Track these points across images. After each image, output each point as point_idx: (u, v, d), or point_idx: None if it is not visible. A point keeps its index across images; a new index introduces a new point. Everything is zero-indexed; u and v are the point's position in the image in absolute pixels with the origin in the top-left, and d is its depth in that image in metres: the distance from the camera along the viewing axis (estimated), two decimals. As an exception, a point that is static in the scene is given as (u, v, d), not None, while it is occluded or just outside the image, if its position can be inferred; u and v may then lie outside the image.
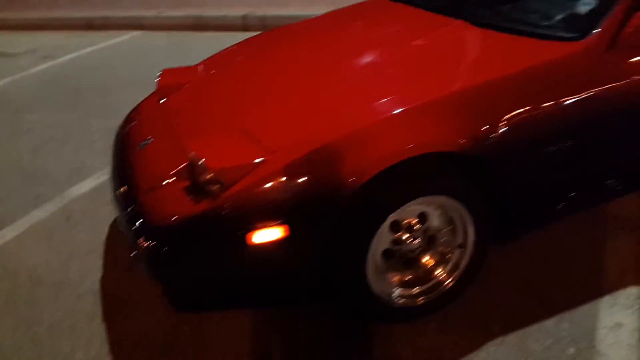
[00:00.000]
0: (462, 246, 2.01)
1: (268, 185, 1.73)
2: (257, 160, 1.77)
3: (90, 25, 7.31)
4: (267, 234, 1.72)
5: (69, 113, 4.34)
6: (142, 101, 2.71)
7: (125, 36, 6.79)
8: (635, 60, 2.04)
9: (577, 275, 2.17)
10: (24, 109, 4.51)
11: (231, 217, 1.71)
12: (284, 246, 1.74)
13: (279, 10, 6.44)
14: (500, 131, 1.88)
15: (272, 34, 3.04)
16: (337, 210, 1.73)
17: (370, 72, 2.16)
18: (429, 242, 2.02)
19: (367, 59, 2.26)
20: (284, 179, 1.73)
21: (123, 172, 2.17)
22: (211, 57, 2.87)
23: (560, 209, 2.15)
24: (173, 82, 2.59)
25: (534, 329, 1.94)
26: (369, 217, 1.79)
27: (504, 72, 1.96)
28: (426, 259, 2.04)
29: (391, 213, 1.81)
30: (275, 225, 1.72)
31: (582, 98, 1.97)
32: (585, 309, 2.00)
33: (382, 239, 1.89)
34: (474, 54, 2.15)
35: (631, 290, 2.08)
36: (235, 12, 6.63)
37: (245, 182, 1.74)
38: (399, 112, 1.83)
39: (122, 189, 2.06)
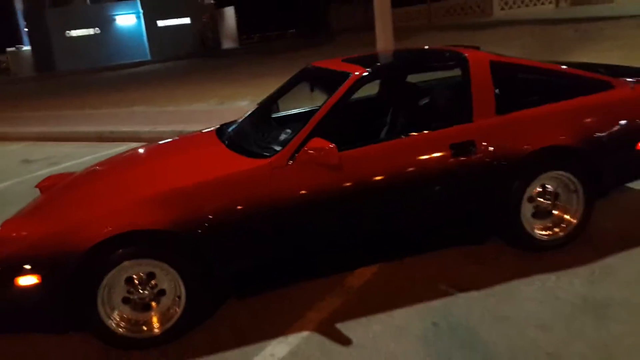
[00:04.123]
0: (179, 297, 2.92)
1: (28, 251, 2.77)
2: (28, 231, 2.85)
3: (100, 137, 8.90)
4: (27, 279, 2.74)
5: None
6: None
7: (123, 147, 8.26)
8: (306, 171, 2.98)
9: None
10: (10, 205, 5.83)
11: (6, 266, 2.75)
12: (39, 287, 2.74)
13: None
14: (201, 217, 2.85)
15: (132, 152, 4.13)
16: (72, 269, 2.72)
17: (133, 178, 3.23)
18: (158, 294, 2.93)
19: (138, 168, 3.38)
20: (39, 246, 2.77)
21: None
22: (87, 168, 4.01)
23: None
24: (49, 182, 3.73)
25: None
26: (90, 274, 2.75)
27: (204, 177, 2.96)
28: (155, 308, 2.94)
29: (108, 272, 2.76)
30: (32, 274, 2.73)
31: (263, 197, 2.92)
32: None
33: (116, 289, 2.84)
34: (200, 165, 3.18)
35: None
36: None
37: (13, 248, 2.79)
38: (119, 203, 2.88)
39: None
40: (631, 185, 4.02)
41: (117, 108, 12.10)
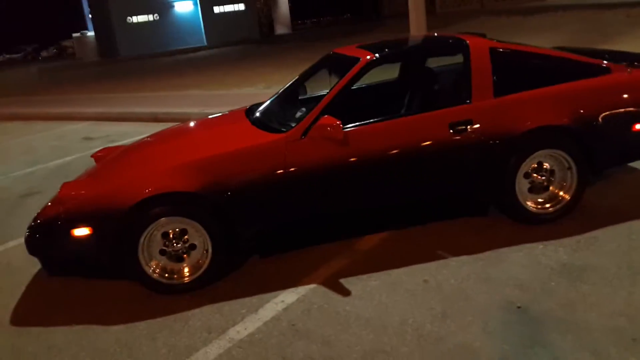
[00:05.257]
0: (207, 251, 3.41)
1: (82, 207, 3.32)
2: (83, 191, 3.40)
3: (155, 117, 9.58)
4: (81, 230, 3.29)
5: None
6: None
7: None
8: (317, 144, 3.39)
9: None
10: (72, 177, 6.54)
11: (64, 220, 3.31)
12: (90, 237, 3.29)
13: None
14: (226, 183, 3.32)
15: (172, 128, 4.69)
16: (118, 222, 3.24)
17: (171, 148, 3.75)
18: (190, 248, 3.43)
19: (176, 141, 3.91)
20: (91, 204, 3.31)
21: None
22: (136, 141, 4.57)
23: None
24: (103, 153, 4.30)
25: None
26: (133, 227, 3.27)
27: (230, 148, 3.43)
28: (186, 260, 3.44)
29: (148, 226, 3.27)
30: (85, 226, 3.28)
31: (279, 166, 3.36)
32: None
33: (154, 242, 3.35)
34: (229, 138, 3.65)
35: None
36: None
37: (71, 205, 3.34)
38: (159, 168, 3.39)
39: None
40: (634, 165, 4.23)
41: (172, 91, 12.84)
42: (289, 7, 39.35)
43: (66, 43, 46.59)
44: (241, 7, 36.62)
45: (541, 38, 12.28)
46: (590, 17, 14.97)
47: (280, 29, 39.43)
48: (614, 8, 15.63)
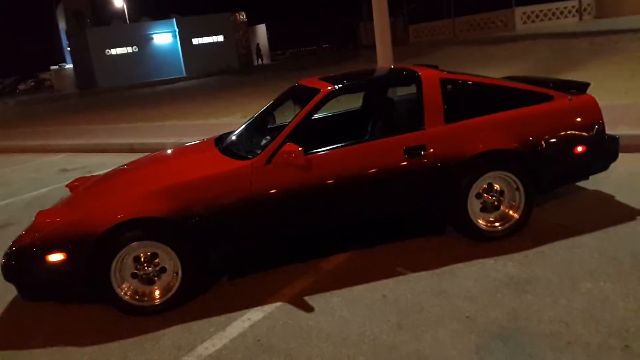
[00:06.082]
0: (177, 274, 3.57)
1: (57, 233, 3.47)
2: (58, 218, 3.55)
3: (131, 148, 9.74)
4: (55, 256, 3.43)
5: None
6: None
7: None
8: (281, 170, 3.60)
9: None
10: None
11: (39, 246, 3.45)
12: (64, 263, 3.43)
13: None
14: (195, 208, 3.51)
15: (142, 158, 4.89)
16: (91, 247, 3.40)
17: (143, 176, 3.94)
18: (161, 271, 3.59)
19: (147, 169, 4.08)
20: (65, 230, 3.47)
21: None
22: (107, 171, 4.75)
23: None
24: (77, 183, 4.47)
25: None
26: (105, 251, 3.43)
27: (198, 175, 3.62)
28: (157, 283, 3.59)
29: (120, 250, 3.43)
30: (59, 252, 3.43)
31: (245, 191, 3.56)
32: (237, 311, 3.44)
33: (125, 265, 3.51)
34: (198, 165, 3.85)
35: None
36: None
37: (45, 232, 3.49)
38: (130, 195, 3.57)
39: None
40: (581, 184, 4.52)
41: (150, 122, 13.02)
42: (268, 37, 40.03)
43: (44, 75, 46.71)
44: (220, 38, 37.20)
45: (509, 66, 12.80)
46: (556, 46, 15.60)
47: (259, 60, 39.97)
48: (578, 37, 16.30)
